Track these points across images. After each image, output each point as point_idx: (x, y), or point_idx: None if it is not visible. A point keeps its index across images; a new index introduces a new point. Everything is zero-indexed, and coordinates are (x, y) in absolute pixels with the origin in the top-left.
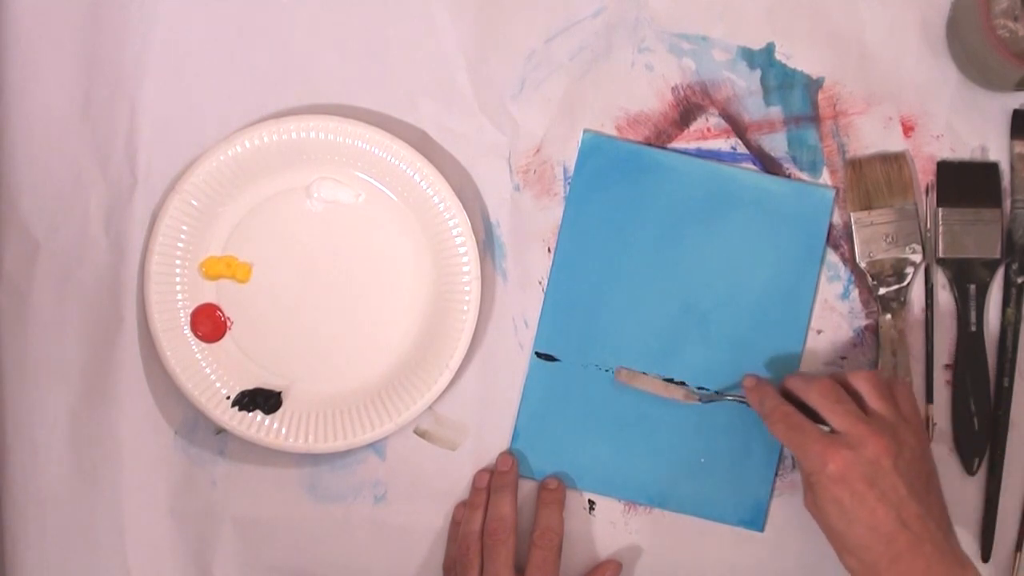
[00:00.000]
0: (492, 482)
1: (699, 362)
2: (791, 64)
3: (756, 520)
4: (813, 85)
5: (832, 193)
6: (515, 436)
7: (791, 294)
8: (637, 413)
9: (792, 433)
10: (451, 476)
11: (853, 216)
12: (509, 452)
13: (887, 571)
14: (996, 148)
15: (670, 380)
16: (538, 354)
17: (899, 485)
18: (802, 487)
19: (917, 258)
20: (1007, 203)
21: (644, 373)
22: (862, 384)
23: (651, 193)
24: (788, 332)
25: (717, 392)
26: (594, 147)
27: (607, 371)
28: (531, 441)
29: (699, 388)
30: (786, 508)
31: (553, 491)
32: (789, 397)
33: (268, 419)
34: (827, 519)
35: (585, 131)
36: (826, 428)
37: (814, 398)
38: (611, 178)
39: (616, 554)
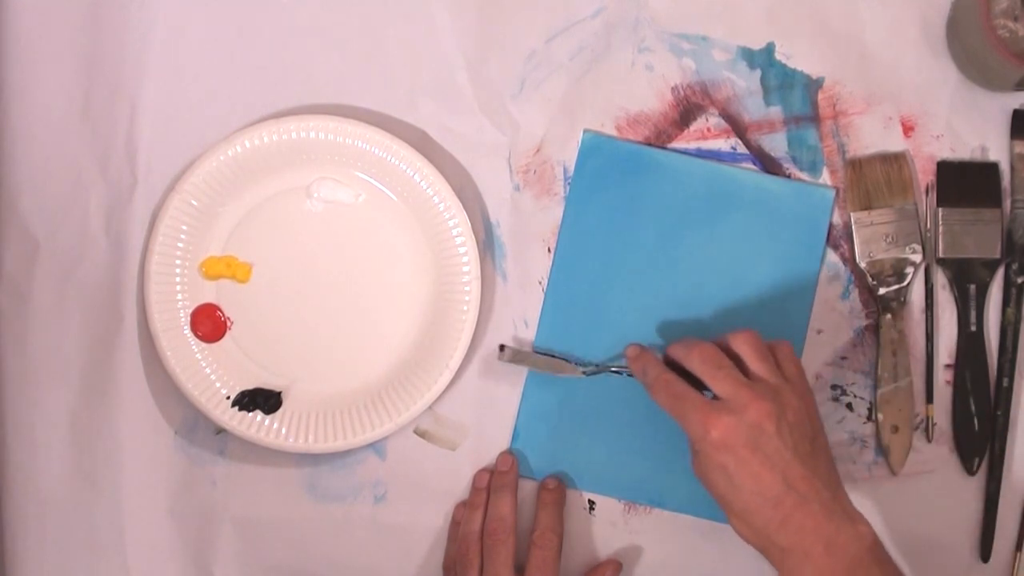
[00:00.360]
0: (492, 482)
1: None
2: (791, 64)
3: None
4: (813, 85)
5: (832, 193)
6: (515, 436)
7: (791, 294)
8: (637, 413)
9: (674, 401)
10: (451, 476)
11: (853, 216)
12: (509, 452)
13: (776, 534)
14: (996, 148)
15: (553, 355)
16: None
17: (783, 448)
18: (690, 454)
19: (917, 258)
20: (1007, 203)
21: (527, 351)
22: (742, 347)
23: (651, 193)
24: (788, 332)
25: (600, 365)
26: (594, 147)
27: (611, 372)
28: (531, 441)
29: (585, 362)
30: None
31: (553, 491)
32: (673, 366)
33: (268, 419)
34: (714, 486)
35: (585, 131)
36: (710, 395)
37: (695, 364)
38: (611, 178)
39: (616, 554)
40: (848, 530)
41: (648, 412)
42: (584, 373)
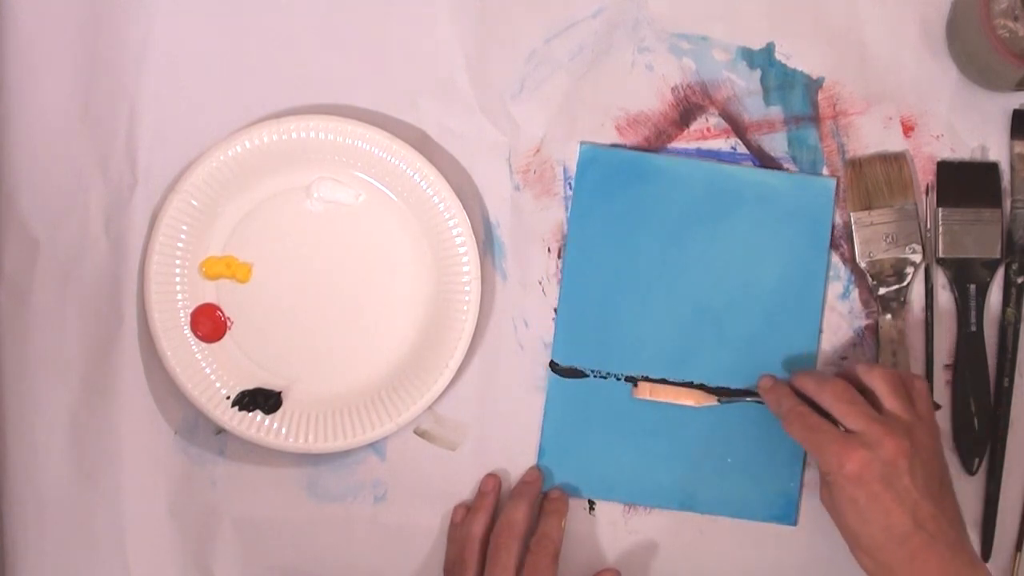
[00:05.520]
0: (513, 488)
1: (715, 363)
2: (791, 64)
3: (788, 514)
4: (813, 85)
5: (833, 182)
6: (541, 452)
7: (801, 287)
8: (659, 419)
9: (809, 433)
10: (451, 476)
11: (853, 216)
12: (537, 467)
13: (901, 571)
14: (996, 148)
15: (687, 384)
16: (555, 370)
17: (914, 486)
18: (819, 483)
19: (917, 258)
20: (1007, 203)
21: (662, 382)
22: (876, 382)
23: (653, 199)
24: (801, 326)
25: (735, 391)
26: (592, 159)
27: (627, 381)
28: (557, 457)
29: (718, 389)
30: (816, 500)
31: (555, 500)
32: (803, 395)
33: (268, 419)
34: (843, 518)
35: (582, 143)
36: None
37: (827, 400)
38: (612, 188)
39: (616, 554)
40: (969, 574)
41: (670, 417)
42: (719, 402)
